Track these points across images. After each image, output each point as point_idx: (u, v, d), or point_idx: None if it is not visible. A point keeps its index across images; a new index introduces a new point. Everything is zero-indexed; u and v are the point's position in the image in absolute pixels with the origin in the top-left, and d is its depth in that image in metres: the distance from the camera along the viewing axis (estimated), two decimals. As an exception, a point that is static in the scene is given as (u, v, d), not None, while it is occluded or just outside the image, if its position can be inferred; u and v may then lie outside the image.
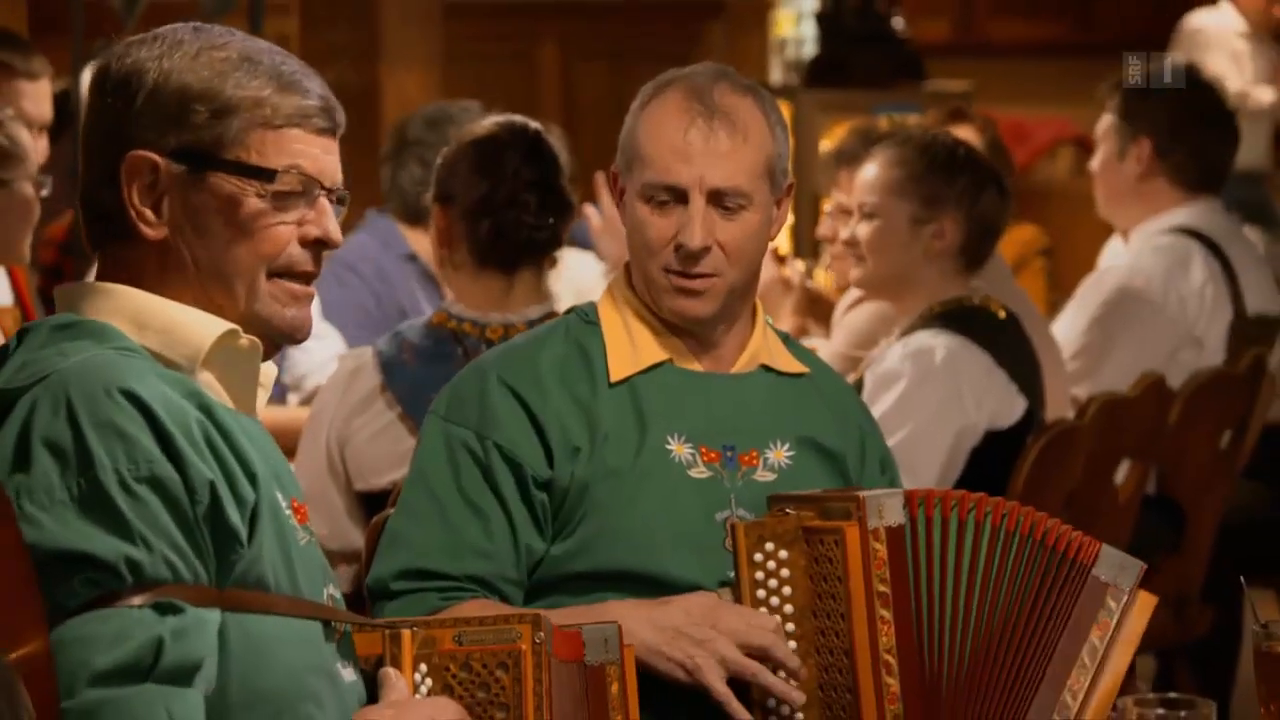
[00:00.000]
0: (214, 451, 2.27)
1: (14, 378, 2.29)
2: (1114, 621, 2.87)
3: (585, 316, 3.05)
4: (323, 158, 2.43)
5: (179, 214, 2.39)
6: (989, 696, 2.88)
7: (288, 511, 2.38)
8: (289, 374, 4.86)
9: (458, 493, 2.90)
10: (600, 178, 4.54)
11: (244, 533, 2.28)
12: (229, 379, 2.40)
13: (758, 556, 2.86)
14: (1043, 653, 2.87)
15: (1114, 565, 2.89)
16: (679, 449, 2.96)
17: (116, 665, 2.17)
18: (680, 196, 2.94)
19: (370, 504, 3.76)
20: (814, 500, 2.90)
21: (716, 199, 2.94)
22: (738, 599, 2.87)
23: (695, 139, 2.94)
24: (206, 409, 2.30)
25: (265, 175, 2.39)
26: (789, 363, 3.09)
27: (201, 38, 2.42)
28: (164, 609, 2.20)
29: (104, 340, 2.32)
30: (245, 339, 2.39)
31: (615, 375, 2.98)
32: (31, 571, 1.87)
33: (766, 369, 3.07)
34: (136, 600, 2.19)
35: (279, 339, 2.45)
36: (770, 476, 2.98)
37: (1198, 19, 9.12)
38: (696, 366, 3.02)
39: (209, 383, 2.37)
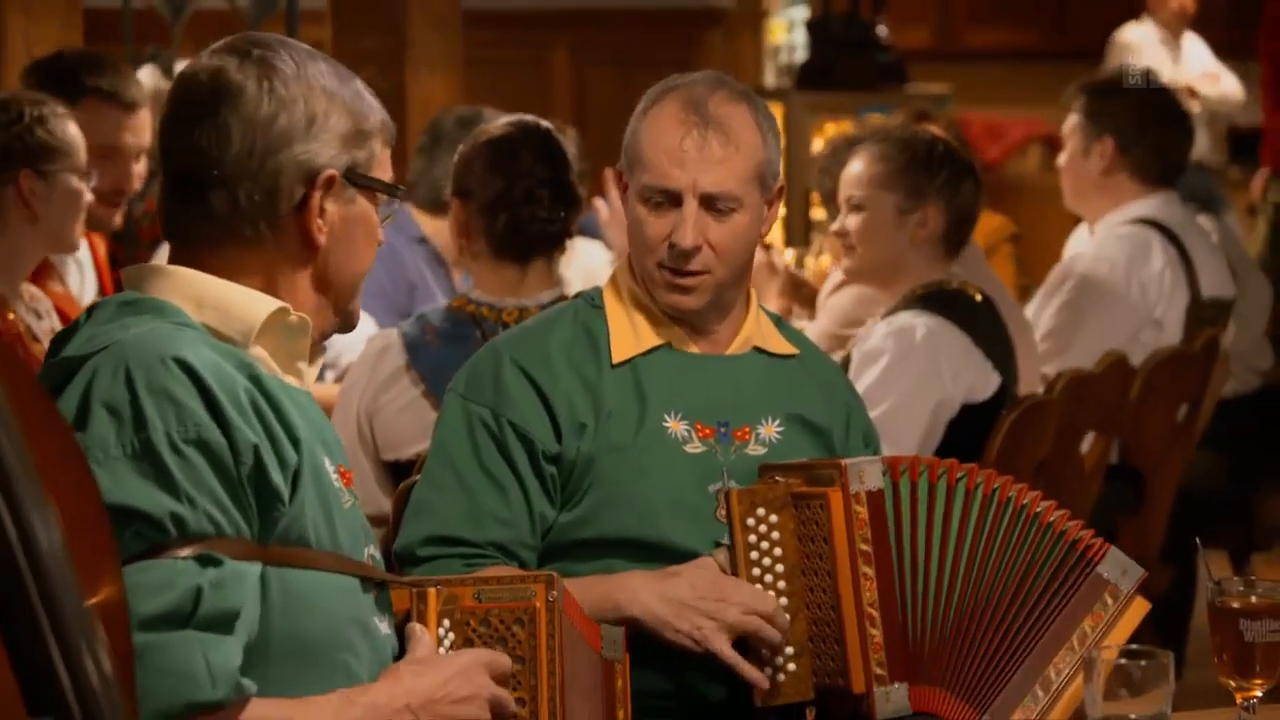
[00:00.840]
0: (259, 417, 2.27)
1: (80, 347, 2.30)
2: (1108, 616, 2.86)
3: (591, 301, 3.06)
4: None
5: (336, 229, 2.41)
6: (973, 655, 2.88)
7: (334, 476, 2.38)
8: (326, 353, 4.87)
9: (477, 466, 2.91)
10: (610, 173, 4.54)
11: (286, 492, 2.29)
12: (280, 353, 2.40)
13: (750, 521, 2.87)
14: (1032, 626, 2.86)
15: (1118, 567, 2.88)
16: (675, 425, 2.96)
17: (159, 612, 2.17)
18: (674, 199, 2.94)
19: (397, 472, 3.76)
20: (801, 468, 2.91)
21: (708, 202, 2.94)
22: (733, 561, 2.87)
23: (690, 146, 2.93)
24: (255, 378, 2.30)
25: (397, 191, 2.46)
26: (780, 344, 3.10)
27: (329, 64, 2.42)
28: (205, 561, 2.20)
29: (163, 316, 2.33)
30: (295, 315, 2.39)
31: (618, 357, 2.98)
32: (107, 522, 1.88)
33: (759, 351, 3.07)
34: (180, 553, 2.19)
35: (345, 329, 2.50)
36: (761, 450, 2.99)
37: (1127, 33, 9.24)
38: (693, 349, 3.02)
39: (261, 356, 2.38)
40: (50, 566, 1.41)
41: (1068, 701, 2.86)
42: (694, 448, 2.96)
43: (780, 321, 3.18)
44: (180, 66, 6.28)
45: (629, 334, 3.01)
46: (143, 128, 4.53)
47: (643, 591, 2.80)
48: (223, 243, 2.37)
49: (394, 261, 5.08)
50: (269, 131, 2.34)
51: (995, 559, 2.88)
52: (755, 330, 3.07)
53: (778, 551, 2.87)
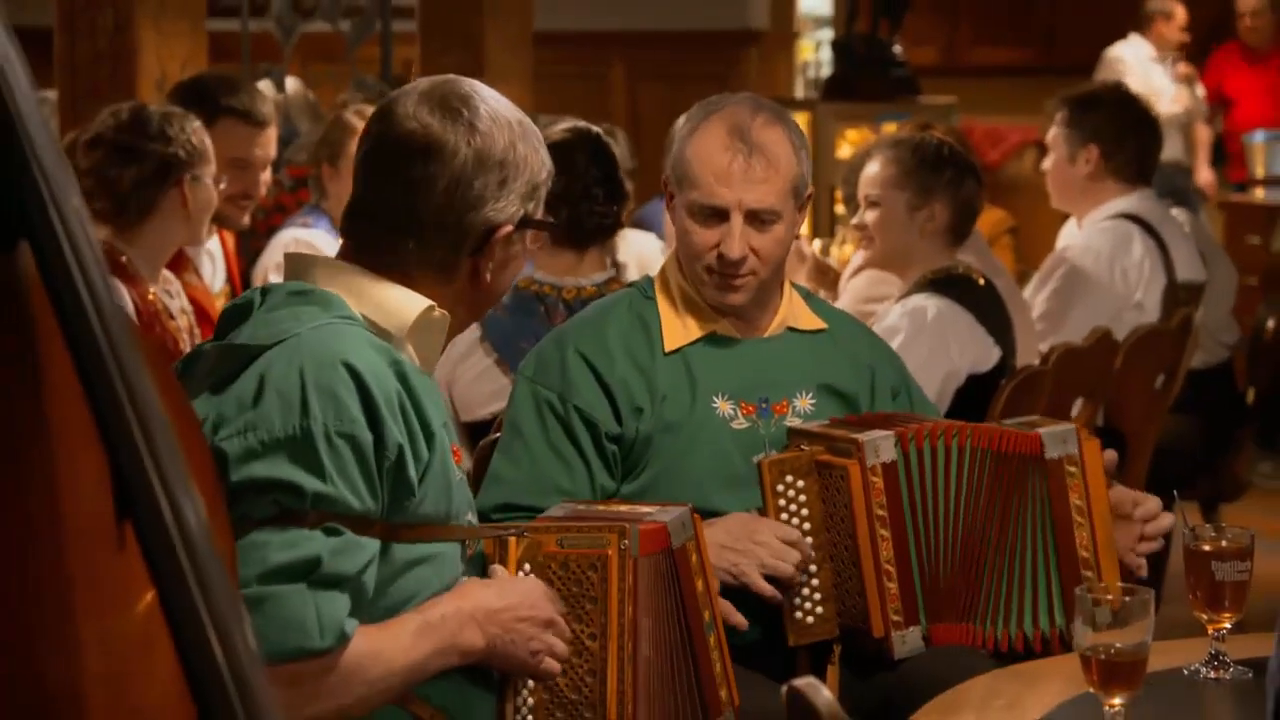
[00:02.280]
0: (405, 418, 2.28)
1: (256, 334, 2.30)
2: (1082, 481, 2.85)
3: (644, 292, 3.05)
4: None
5: (500, 258, 2.44)
6: (979, 587, 2.87)
7: (451, 455, 2.38)
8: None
9: (545, 443, 2.90)
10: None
11: (416, 485, 2.28)
12: (420, 344, 2.39)
13: (779, 487, 2.87)
14: (1028, 539, 2.85)
15: (1057, 441, 2.86)
16: (723, 405, 2.96)
17: (281, 567, 2.18)
18: (722, 215, 2.93)
19: (474, 432, 3.77)
20: (824, 437, 2.90)
21: (752, 217, 2.93)
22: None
23: (736, 169, 2.92)
24: (403, 376, 2.30)
25: (552, 225, 2.53)
26: (810, 320, 3.09)
27: (519, 121, 2.43)
28: (328, 531, 2.21)
29: (329, 308, 2.32)
30: (438, 311, 2.39)
31: (670, 346, 2.98)
32: (224, 498, 1.87)
33: (792, 330, 3.06)
34: (306, 522, 2.21)
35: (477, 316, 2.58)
36: (797, 422, 2.99)
37: (1116, 50, 9.21)
38: (735, 334, 3.02)
39: (408, 353, 2.37)
40: (197, 540, 1.40)
41: (1109, 559, 2.83)
42: (739, 424, 2.96)
43: (810, 297, 3.17)
44: (290, 81, 6.29)
45: (678, 326, 3.00)
46: (270, 142, 4.56)
47: None
48: (403, 266, 2.39)
49: None
50: (467, 193, 2.36)
51: (986, 501, 2.88)
52: (789, 312, 3.06)
53: (804, 511, 2.88)
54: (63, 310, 1.35)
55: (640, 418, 2.92)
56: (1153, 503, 2.93)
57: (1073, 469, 2.84)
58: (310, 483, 2.20)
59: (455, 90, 2.39)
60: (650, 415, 2.92)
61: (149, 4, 5.27)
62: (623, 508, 2.67)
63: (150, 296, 3.79)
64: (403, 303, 2.37)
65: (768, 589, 2.83)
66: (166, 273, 3.96)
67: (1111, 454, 2.94)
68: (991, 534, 2.87)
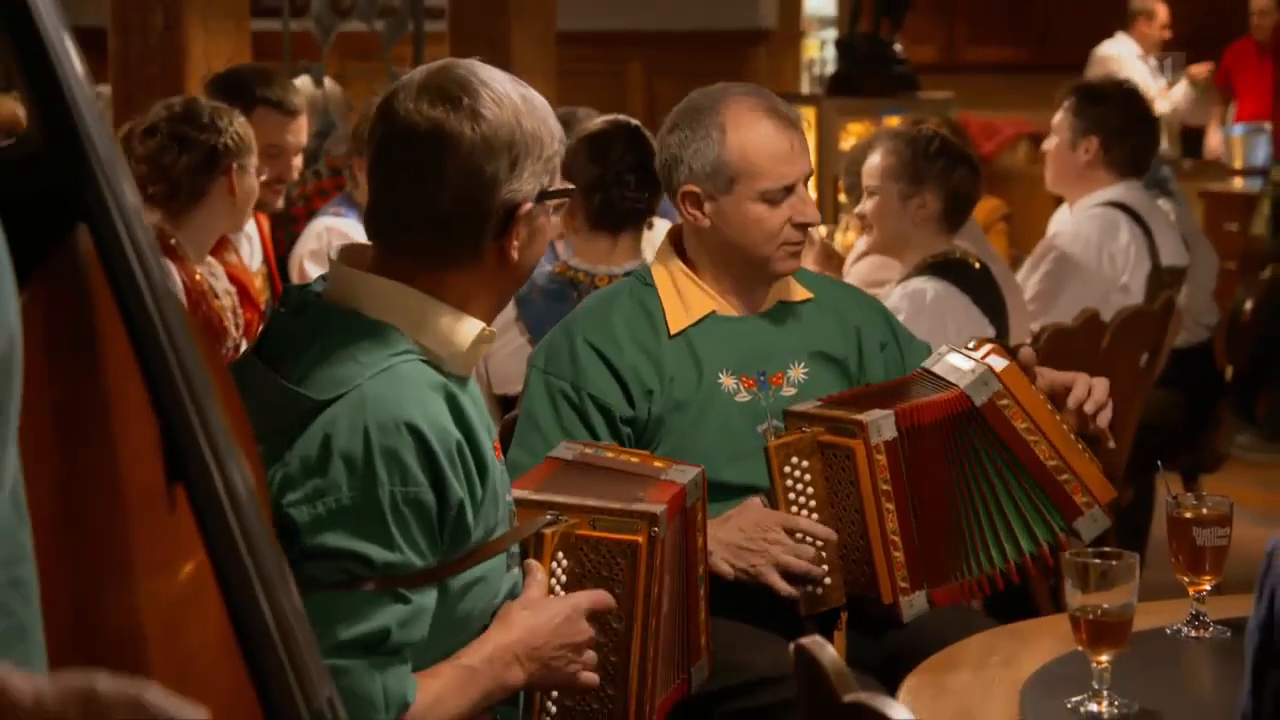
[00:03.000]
0: (465, 468, 2.19)
1: (314, 379, 2.17)
2: (1016, 405, 2.85)
3: (643, 280, 3.02)
4: None
5: (525, 234, 2.27)
6: (972, 545, 2.88)
7: (494, 455, 2.28)
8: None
9: (561, 431, 2.86)
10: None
11: (473, 528, 2.22)
12: (468, 360, 2.27)
13: (786, 469, 2.87)
14: (992, 479, 2.86)
15: (978, 384, 2.86)
16: (727, 381, 2.96)
17: (350, 639, 2.12)
18: (789, 190, 2.95)
19: (505, 403, 3.78)
20: (824, 419, 2.88)
21: (805, 183, 2.99)
22: (774, 501, 2.87)
23: (797, 147, 2.96)
24: (459, 414, 2.20)
25: (571, 193, 2.34)
26: (798, 292, 3.08)
27: (523, 95, 2.26)
28: (395, 598, 2.15)
29: (386, 344, 2.19)
30: (488, 331, 2.27)
31: (674, 329, 2.96)
32: (264, 476, 1.85)
33: (783, 303, 3.05)
34: (369, 586, 2.13)
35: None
36: (793, 391, 2.99)
37: (1105, 48, 9.21)
38: (733, 313, 3.01)
39: (457, 370, 2.26)
40: (244, 503, 1.41)
41: (1078, 455, 2.87)
42: (742, 397, 2.96)
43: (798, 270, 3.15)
44: (328, 79, 6.26)
45: (679, 308, 2.98)
46: (301, 129, 4.56)
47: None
48: (432, 262, 2.23)
49: None
50: (481, 178, 2.21)
51: (972, 465, 2.88)
52: (780, 286, 3.06)
53: (810, 490, 2.88)
54: (119, 288, 1.36)
55: (651, 399, 2.91)
56: (1079, 385, 2.92)
57: (1005, 401, 2.85)
58: (379, 554, 2.12)
59: (453, 76, 2.23)
60: (660, 396, 2.91)
61: (196, 5, 5.28)
62: (634, 459, 2.62)
63: (197, 277, 3.80)
64: (457, 330, 2.23)
65: (784, 587, 2.83)
66: (209, 258, 3.97)
67: (1027, 353, 2.94)
68: (966, 489, 2.88)
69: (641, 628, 2.44)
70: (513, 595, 2.34)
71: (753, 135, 2.94)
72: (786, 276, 3.02)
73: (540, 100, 2.28)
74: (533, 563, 2.36)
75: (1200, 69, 9.27)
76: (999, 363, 2.87)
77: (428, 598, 2.17)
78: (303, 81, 5.63)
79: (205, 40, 5.23)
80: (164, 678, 1.37)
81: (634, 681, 2.43)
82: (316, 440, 2.12)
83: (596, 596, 2.36)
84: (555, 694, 2.42)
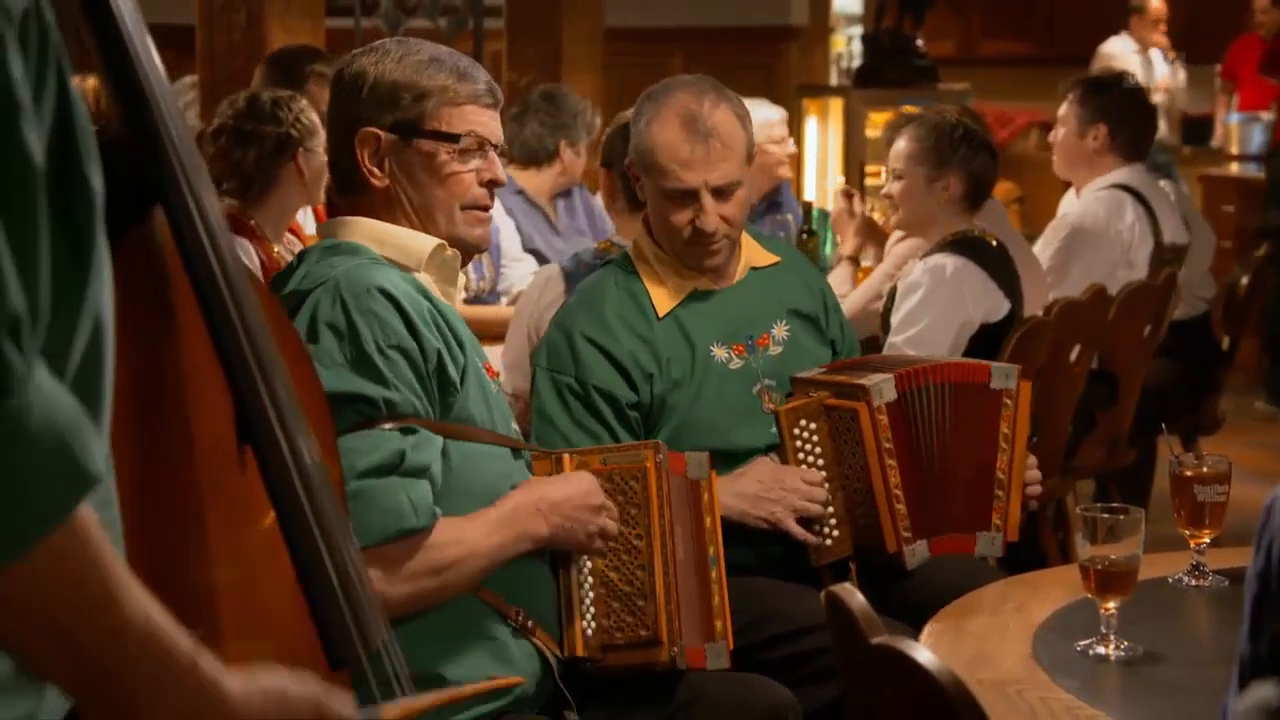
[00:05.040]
0: (438, 328, 2.29)
1: (301, 283, 2.32)
2: (1014, 413, 2.86)
3: (625, 268, 2.97)
4: (490, 124, 2.43)
5: (396, 170, 2.38)
6: (962, 499, 2.88)
7: (484, 370, 2.39)
8: (502, 285, 4.87)
9: (572, 423, 2.82)
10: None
11: (458, 383, 2.30)
12: (439, 279, 2.40)
13: (795, 430, 2.86)
14: (978, 454, 2.87)
15: (1002, 375, 2.88)
16: (719, 352, 2.92)
17: (373, 465, 2.20)
18: (691, 195, 2.86)
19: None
20: (827, 384, 2.88)
21: (717, 192, 2.86)
22: (785, 460, 2.87)
23: (697, 156, 2.84)
24: (430, 298, 2.32)
25: (453, 139, 2.39)
26: (765, 257, 3.05)
27: (402, 46, 2.41)
28: (406, 430, 2.23)
29: (357, 254, 2.34)
30: (450, 250, 2.40)
31: (661, 311, 2.91)
32: (333, 430, 1.89)
33: (755, 269, 3.01)
34: (388, 425, 2.21)
35: (470, 250, 2.46)
36: (779, 349, 2.96)
37: (1109, 45, 9.19)
38: (712, 287, 2.96)
39: (426, 281, 2.38)
40: (310, 467, 1.41)
41: (1018, 486, 2.88)
42: (735, 365, 2.93)
43: (758, 235, 3.11)
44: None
45: (663, 291, 2.93)
46: None
47: (721, 494, 2.72)
48: (356, 195, 2.42)
49: (500, 209, 5.06)
50: (338, 110, 2.44)
51: (958, 422, 2.87)
52: (748, 255, 3.01)
53: (818, 450, 2.88)
54: (192, 266, 1.36)
55: (652, 382, 2.86)
56: (1034, 472, 2.93)
57: (1009, 401, 2.87)
58: (377, 390, 2.22)
59: (384, 39, 2.47)
60: (660, 378, 2.87)
61: (276, 4, 5.28)
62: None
63: (275, 254, 3.80)
64: (416, 241, 2.38)
65: (800, 531, 2.83)
66: (289, 234, 3.97)
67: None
68: (963, 450, 2.87)
69: (660, 545, 2.46)
70: None
71: (661, 134, 2.86)
72: (717, 266, 2.93)
73: (424, 50, 2.42)
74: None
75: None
76: (1022, 380, 2.90)
77: (435, 436, 2.26)
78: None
79: (284, 36, 5.23)
80: (234, 626, 1.37)
81: (660, 592, 2.44)
82: (305, 322, 2.26)
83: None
84: (592, 609, 2.42)
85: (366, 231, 2.39)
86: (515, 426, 2.47)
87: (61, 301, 1.08)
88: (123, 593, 1.06)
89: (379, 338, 2.23)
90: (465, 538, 2.28)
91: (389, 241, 2.38)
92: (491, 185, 2.43)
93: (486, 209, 2.44)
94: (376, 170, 2.38)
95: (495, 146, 2.43)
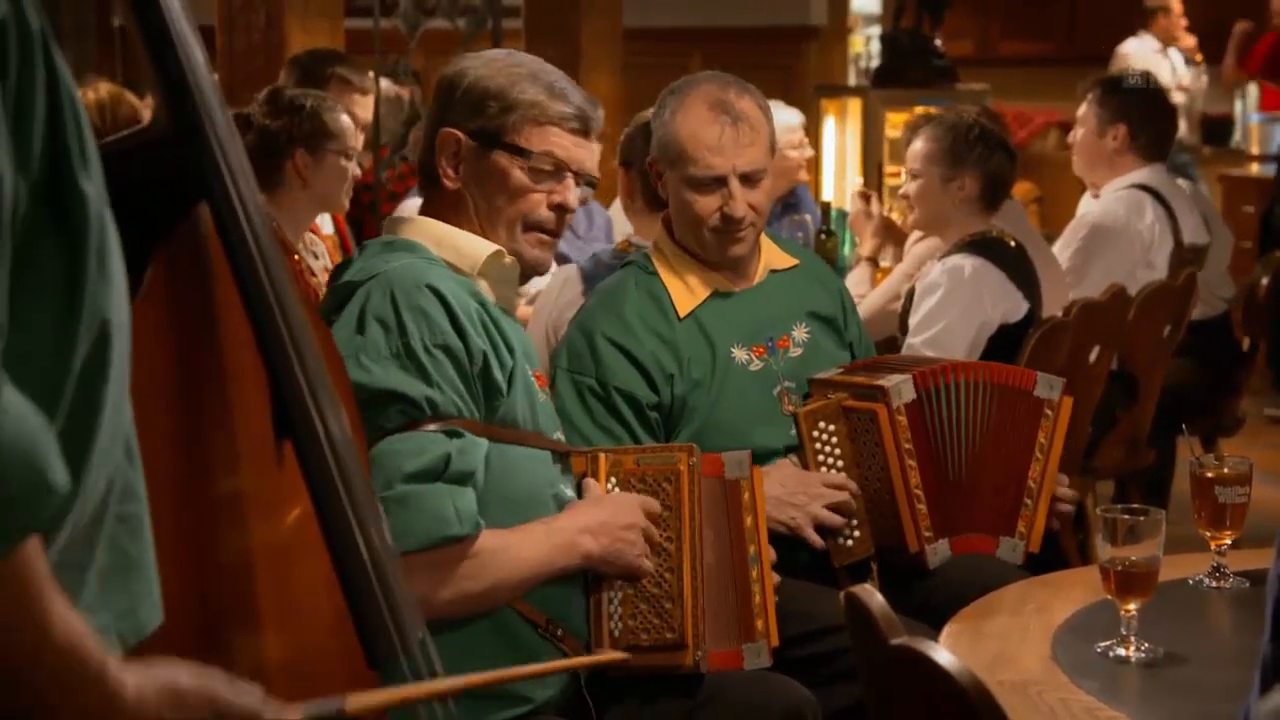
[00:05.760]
0: (486, 330, 2.30)
1: (356, 274, 2.34)
2: (1052, 424, 2.86)
3: (645, 269, 2.97)
4: (572, 149, 2.43)
5: (469, 175, 2.40)
6: (987, 501, 2.88)
7: (533, 378, 2.39)
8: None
9: (594, 425, 2.82)
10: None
11: (504, 387, 2.30)
12: (496, 286, 2.40)
13: (815, 433, 2.86)
14: (1012, 461, 2.86)
15: (1046, 385, 2.89)
16: (739, 354, 2.92)
17: (419, 469, 2.20)
18: (719, 181, 2.87)
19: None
20: (845, 385, 2.88)
21: (744, 179, 2.88)
22: (805, 463, 2.86)
23: (726, 140, 2.86)
24: (481, 302, 2.33)
25: (526, 155, 2.39)
26: (784, 259, 3.05)
27: (511, 56, 2.44)
28: (451, 433, 2.23)
29: (414, 252, 2.36)
30: (508, 258, 2.41)
31: (682, 312, 2.92)
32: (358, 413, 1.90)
33: (774, 272, 3.02)
34: (432, 427, 2.21)
35: (527, 269, 2.46)
36: (799, 351, 2.96)
37: (1127, 45, 9.18)
38: (733, 288, 2.97)
39: (483, 287, 2.39)
40: (344, 454, 1.43)
41: (1046, 497, 2.87)
42: (755, 366, 2.93)
43: (775, 238, 3.12)
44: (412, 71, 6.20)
45: (684, 292, 2.93)
46: (369, 105, 4.62)
47: None
48: (433, 192, 2.45)
49: None
50: (435, 109, 2.47)
51: (989, 425, 2.88)
52: (767, 257, 3.02)
53: (837, 451, 2.88)
54: (235, 260, 1.37)
55: (672, 383, 2.86)
56: (1065, 490, 2.95)
57: (1049, 412, 2.87)
58: (420, 389, 2.22)
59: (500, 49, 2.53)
60: (681, 378, 2.87)
61: (295, 5, 5.29)
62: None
63: (295, 258, 3.79)
64: (474, 245, 2.40)
65: (817, 540, 2.83)
66: (313, 235, 3.97)
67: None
68: (992, 453, 2.86)
69: (690, 550, 2.46)
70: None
71: (688, 122, 2.88)
72: (741, 256, 2.94)
73: (527, 64, 2.44)
74: (590, 480, 2.47)
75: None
76: (1066, 395, 2.90)
77: (480, 440, 2.26)
78: (387, 83, 5.66)
79: (303, 37, 5.24)
80: (271, 616, 1.38)
81: (687, 596, 2.45)
82: (354, 313, 2.27)
83: (646, 499, 2.46)
84: (619, 610, 2.43)
85: (426, 231, 2.41)
86: (560, 436, 2.46)
87: (64, 312, 1.08)
88: (53, 613, 1.08)
89: (425, 336, 2.24)
90: (512, 547, 2.28)
91: (447, 243, 2.40)
92: (560, 210, 2.43)
93: (552, 233, 2.44)
94: (451, 172, 2.41)
95: (575, 174, 2.43)
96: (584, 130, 2.43)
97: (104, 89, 5.14)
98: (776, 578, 2.62)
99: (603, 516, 2.39)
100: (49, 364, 1.07)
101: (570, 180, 2.43)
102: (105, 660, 1.12)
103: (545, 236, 2.44)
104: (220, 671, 1.21)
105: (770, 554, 2.63)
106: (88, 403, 1.10)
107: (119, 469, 1.16)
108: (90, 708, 1.11)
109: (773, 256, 3.02)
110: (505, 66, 2.41)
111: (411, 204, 4.77)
